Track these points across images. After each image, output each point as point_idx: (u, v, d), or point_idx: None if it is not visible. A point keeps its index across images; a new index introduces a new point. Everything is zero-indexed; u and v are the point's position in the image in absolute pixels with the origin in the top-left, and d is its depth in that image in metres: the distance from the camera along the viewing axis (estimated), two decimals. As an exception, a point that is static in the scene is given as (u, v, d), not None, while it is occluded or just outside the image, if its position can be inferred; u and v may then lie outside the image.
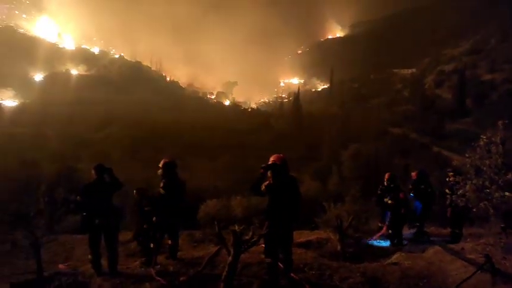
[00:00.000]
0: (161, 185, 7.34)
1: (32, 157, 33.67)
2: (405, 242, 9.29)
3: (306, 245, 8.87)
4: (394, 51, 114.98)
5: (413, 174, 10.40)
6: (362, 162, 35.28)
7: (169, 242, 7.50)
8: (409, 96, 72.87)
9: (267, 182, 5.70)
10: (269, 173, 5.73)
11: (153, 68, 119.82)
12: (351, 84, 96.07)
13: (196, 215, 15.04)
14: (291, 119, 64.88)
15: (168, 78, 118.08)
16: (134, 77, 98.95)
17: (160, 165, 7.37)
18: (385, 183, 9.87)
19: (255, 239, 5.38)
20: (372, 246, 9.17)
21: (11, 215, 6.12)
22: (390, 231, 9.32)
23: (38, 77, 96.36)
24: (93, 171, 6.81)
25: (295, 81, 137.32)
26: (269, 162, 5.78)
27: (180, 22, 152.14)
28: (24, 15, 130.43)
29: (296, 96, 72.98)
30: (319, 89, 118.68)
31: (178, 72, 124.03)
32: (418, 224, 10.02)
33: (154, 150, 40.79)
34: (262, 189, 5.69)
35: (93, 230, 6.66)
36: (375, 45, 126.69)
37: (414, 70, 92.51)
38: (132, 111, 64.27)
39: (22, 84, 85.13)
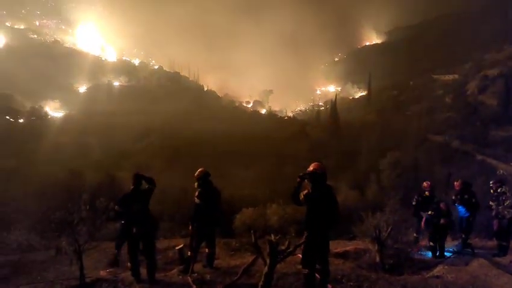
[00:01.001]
0: (196, 194, 7.45)
1: (76, 166, 34.96)
2: (448, 254, 8.94)
3: (344, 255, 8.72)
4: (434, 57, 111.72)
5: (456, 184, 10.03)
6: (402, 171, 34.46)
7: (207, 250, 7.57)
8: (450, 102, 70.51)
9: (306, 191, 5.64)
10: (307, 182, 5.66)
11: (191, 78, 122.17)
12: (390, 91, 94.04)
13: (232, 224, 15.13)
14: (327, 127, 64.22)
15: (205, 88, 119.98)
16: (173, 87, 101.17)
17: (195, 175, 7.49)
18: (425, 193, 9.56)
19: (291, 249, 5.33)
20: (412, 258, 8.88)
21: (56, 222, 6.36)
22: (431, 243, 9.00)
23: (82, 88, 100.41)
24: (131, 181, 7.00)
25: (332, 88, 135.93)
26: (308, 171, 5.72)
27: (213, 31, 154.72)
28: (70, 30, 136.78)
29: (333, 104, 72.22)
30: (357, 97, 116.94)
31: (214, 81, 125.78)
32: (463, 235, 9.63)
33: (192, 159, 41.40)
34: (300, 198, 5.63)
35: (132, 238, 6.80)
36: (414, 51, 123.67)
37: (456, 76, 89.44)
38: (170, 121, 65.64)
39: (67, 96, 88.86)
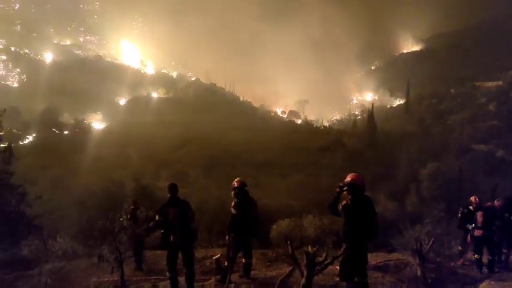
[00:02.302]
0: (232, 204, 7.49)
1: (117, 175, 36.00)
2: (496, 269, 8.53)
3: (383, 268, 8.48)
4: (475, 64, 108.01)
5: (497, 203, 9.54)
6: (443, 181, 33.39)
7: (244, 260, 7.57)
8: (494, 110, 67.78)
9: (344, 202, 5.54)
10: (346, 193, 5.57)
11: (226, 89, 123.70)
12: (429, 100, 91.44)
13: (269, 234, 15.08)
14: (364, 137, 63.14)
15: (241, 99, 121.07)
16: (209, 98, 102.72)
17: (232, 185, 7.55)
18: (471, 207, 9.19)
19: (329, 260, 5.25)
20: (456, 272, 8.53)
21: (98, 230, 6.55)
22: (476, 255, 8.62)
23: (122, 101, 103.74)
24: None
25: (369, 97, 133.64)
26: (346, 181, 5.64)
27: (248, 42, 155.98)
28: (111, 45, 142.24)
29: (370, 113, 71.04)
30: (394, 106, 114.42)
31: (249, 92, 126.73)
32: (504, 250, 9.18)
33: (229, 169, 41.79)
34: (339, 209, 5.54)
35: (170, 247, 6.87)
36: (454, 58, 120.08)
37: (500, 82, 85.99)
38: (207, 131, 66.56)
39: (109, 108, 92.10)
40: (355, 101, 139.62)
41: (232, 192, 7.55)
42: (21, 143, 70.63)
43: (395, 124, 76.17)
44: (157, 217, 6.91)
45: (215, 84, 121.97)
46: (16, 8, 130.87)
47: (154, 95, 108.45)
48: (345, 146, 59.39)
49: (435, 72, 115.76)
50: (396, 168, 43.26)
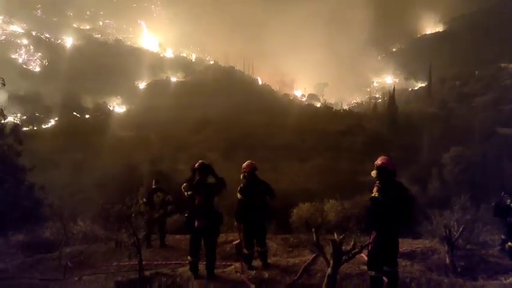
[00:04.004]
0: (238, 188, 7.15)
1: (136, 158, 36.26)
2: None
3: (410, 255, 8.14)
4: (500, 45, 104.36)
5: None
6: (466, 165, 32.59)
7: (258, 249, 7.18)
8: (521, 92, 65.60)
9: (374, 194, 5.19)
10: (375, 178, 5.23)
11: (245, 72, 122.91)
12: (453, 82, 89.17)
13: (288, 219, 14.89)
14: (385, 120, 62.07)
15: (260, 82, 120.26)
16: (228, 81, 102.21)
17: (243, 167, 7.23)
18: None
19: (357, 249, 4.94)
20: (487, 260, 8.13)
21: (114, 215, 6.38)
22: (511, 243, 8.19)
23: (142, 84, 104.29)
24: (195, 171, 6.72)
25: (389, 80, 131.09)
26: (377, 164, 5.29)
27: (266, 25, 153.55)
28: (130, 29, 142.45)
29: (391, 96, 69.62)
30: (416, 88, 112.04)
31: (268, 75, 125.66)
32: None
33: (247, 152, 41.65)
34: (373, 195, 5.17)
35: (194, 232, 6.63)
36: (478, 40, 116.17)
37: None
38: (226, 115, 66.39)
39: (128, 92, 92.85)
40: (375, 84, 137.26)
41: (242, 176, 7.23)
42: (43, 127, 72.04)
43: (417, 107, 74.65)
44: (189, 193, 6.59)
45: (233, 67, 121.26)
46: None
47: (173, 78, 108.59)
48: (365, 130, 58.51)
49: (458, 54, 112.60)
50: (418, 152, 42.44)
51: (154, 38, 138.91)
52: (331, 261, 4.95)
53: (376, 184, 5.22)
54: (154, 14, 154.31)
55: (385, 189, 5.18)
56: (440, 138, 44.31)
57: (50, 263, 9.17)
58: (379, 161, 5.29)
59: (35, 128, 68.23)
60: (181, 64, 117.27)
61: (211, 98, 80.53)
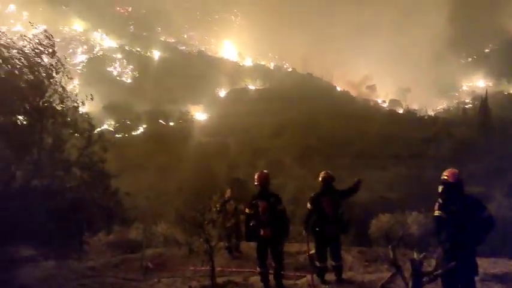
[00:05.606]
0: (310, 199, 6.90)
1: (214, 164, 37.41)
2: None
3: (503, 278, 7.30)
4: None
5: None
6: None
7: (333, 263, 6.85)
8: None
9: (434, 213, 4.79)
10: (440, 191, 4.79)
11: (324, 79, 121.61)
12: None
13: (367, 230, 14.31)
14: (476, 126, 57.56)
15: (338, 88, 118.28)
16: (305, 89, 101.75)
17: (320, 177, 6.97)
18: None
19: (440, 271, 4.47)
20: None
21: (188, 221, 6.53)
22: None
23: (222, 93, 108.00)
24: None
25: (481, 84, 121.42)
26: (441, 178, 4.85)
27: (344, 30, 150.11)
28: (212, 40, 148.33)
29: (483, 100, 64.55)
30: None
31: (347, 82, 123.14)
32: None
33: (325, 159, 41.07)
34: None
35: (260, 241, 6.55)
36: None
37: None
38: (303, 121, 66.09)
39: (209, 100, 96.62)
40: (465, 88, 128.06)
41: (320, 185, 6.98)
42: (133, 134, 77.52)
43: (514, 112, 68.23)
44: (247, 210, 6.63)
45: (311, 74, 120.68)
46: (129, 10, 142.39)
47: (252, 86, 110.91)
48: (453, 136, 54.71)
49: None
50: (514, 161, 38.73)
51: (234, 47, 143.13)
52: (410, 283, 4.55)
53: (437, 201, 4.79)
54: (235, 24, 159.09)
55: (447, 205, 4.73)
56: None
57: (133, 264, 9.67)
58: (444, 174, 4.83)
59: (126, 135, 73.53)
60: (260, 72, 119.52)
61: (289, 104, 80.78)
